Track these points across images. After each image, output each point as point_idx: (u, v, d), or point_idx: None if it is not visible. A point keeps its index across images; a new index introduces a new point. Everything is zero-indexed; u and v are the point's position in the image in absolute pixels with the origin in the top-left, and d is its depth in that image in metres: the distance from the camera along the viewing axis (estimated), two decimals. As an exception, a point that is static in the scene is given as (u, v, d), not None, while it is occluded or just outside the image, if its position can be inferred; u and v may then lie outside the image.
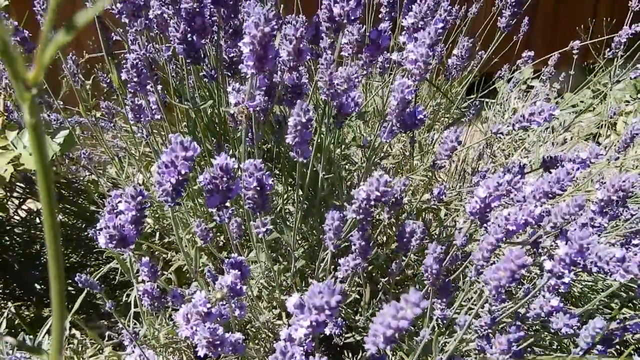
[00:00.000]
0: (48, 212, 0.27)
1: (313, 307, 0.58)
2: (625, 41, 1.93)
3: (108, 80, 1.76)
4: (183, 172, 0.65)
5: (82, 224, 2.00)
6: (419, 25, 0.92)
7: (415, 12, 0.90)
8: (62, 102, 2.07)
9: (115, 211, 0.85)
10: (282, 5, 1.78)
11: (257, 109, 0.92)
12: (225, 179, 0.70)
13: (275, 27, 0.69)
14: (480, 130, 2.54)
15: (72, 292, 2.02)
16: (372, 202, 0.77)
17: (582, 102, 4.30)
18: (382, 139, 0.99)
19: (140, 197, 0.77)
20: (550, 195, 0.90)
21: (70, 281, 2.06)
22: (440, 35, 0.86)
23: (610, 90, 1.82)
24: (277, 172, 1.59)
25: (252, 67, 0.74)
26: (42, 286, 1.93)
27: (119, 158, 1.62)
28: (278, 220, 1.40)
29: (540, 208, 0.91)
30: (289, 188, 1.59)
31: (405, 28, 0.94)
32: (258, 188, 0.74)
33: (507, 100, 2.22)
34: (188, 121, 1.50)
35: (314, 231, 1.46)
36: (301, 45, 0.86)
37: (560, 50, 2.20)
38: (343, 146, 1.59)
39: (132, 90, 1.02)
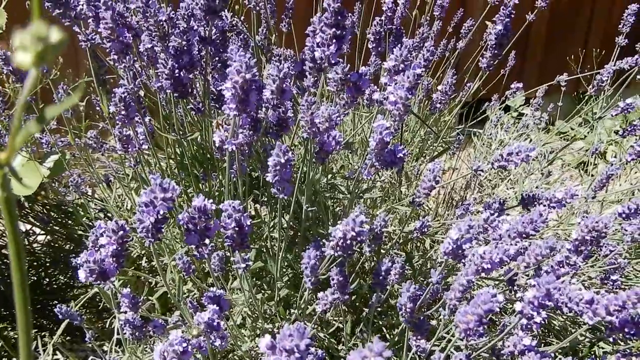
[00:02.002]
0: (18, 278, 0.29)
1: (283, 350, 0.60)
2: (610, 76, 1.98)
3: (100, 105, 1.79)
4: (162, 212, 0.67)
5: (70, 246, 2.01)
6: (400, 68, 0.95)
7: (396, 55, 0.93)
8: (55, 123, 2.09)
9: (96, 245, 0.87)
10: (275, 34, 1.81)
11: (243, 142, 0.95)
12: (203, 219, 0.72)
13: (257, 73, 0.72)
14: (468, 158, 2.58)
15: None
16: (349, 242, 0.79)
17: (572, 129, 4.36)
18: (364, 176, 1.02)
19: (122, 232, 0.79)
20: (524, 235, 0.92)
21: (56, 302, 2.06)
22: (419, 79, 0.89)
23: (597, 122, 1.86)
24: (264, 200, 1.61)
25: (234, 109, 0.77)
26: (29, 307, 1.92)
27: (107, 183, 1.63)
28: (263, 250, 1.41)
29: (515, 247, 0.93)
30: (275, 214, 1.61)
31: (386, 70, 0.97)
32: (237, 228, 0.76)
33: (493, 133, 2.26)
34: (175, 147, 1.52)
35: (299, 260, 1.48)
36: (284, 85, 0.89)
37: (548, 83, 2.24)
38: (330, 175, 1.61)
39: (120, 122, 1.04)
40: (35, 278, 2.03)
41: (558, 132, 4.41)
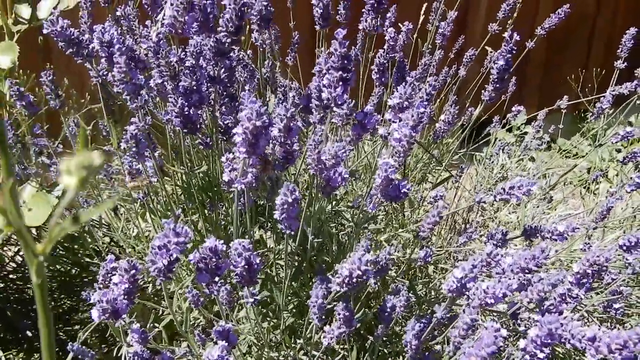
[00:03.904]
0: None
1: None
2: (610, 103, 2.00)
3: (108, 130, 1.81)
4: (174, 255, 0.69)
5: (76, 271, 2.03)
6: (404, 105, 0.97)
7: (400, 93, 0.96)
8: (61, 146, 2.12)
9: (107, 279, 0.89)
10: (279, 58, 1.85)
11: (251, 181, 0.97)
12: (214, 259, 0.74)
13: (267, 120, 0.75)
14: (471, 180, 2.60)
15: (63, 337, 2.04)
16: (355, 280, 0.81)
17: (574, 147, 4.39)
18: (369, 209, 1.04)
19: (134, 271, 0.81)
20: (527, 271, 0.94)
21: (62, 326, 2.08)
22: (422, 118, 0.91)
23: (599, 141, 1.88)
24: (269, 227, 1.63)
25: (244, 152, 0.79)
26: (34, 331, 1.93)
27: (114, 211, 1.66)
28: (269, 279, 1.43)
29: (518, 282, 0.95)
30: (281, 240, 1.63)
31: (390, 107, 0.99)
32: (246, 267, 0.78)
33: (494, 158, 2.28)
34: (182, 176, 1.54)
35: (305, 288, 1.49)
36: (291, 124, 0.92)
37: (549, 108, 2.27)
38: (334, 202, 1.63)
39: (131, 157, 1.06)
40: (41, 302, 2.05)
41: (560, 149, 4.43)
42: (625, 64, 2.26)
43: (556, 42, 4.14)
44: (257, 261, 0.79)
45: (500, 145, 2.24)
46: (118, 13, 1.40)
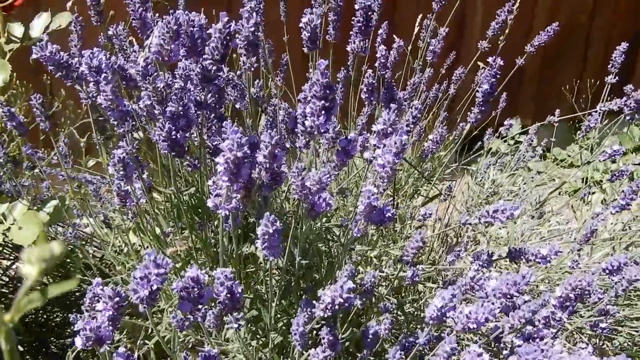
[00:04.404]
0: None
1: None
2: (597, 121, 2.02)
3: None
4: (155, 287, 0.70)
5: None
6: (389, 131, 0.99)
7: (384, 119, 0.97)
8: (55, 158, 2.13)
9: (93, 302, 0.90)
10: (272, 73, 1.86)
11: (235, 207, 0.98)
12: (196, 288, 0.75)
13: (248, 151, 0.76)
14: (461, 192, 2.61)
15: (55, 350, 2.04)
16: (337, 306, 0.82)
17: (569, 156, 4.42)
18: (354, 234, 1.05)
19: (118, 298, 0.82)
20: (509, 296, 0.95)
21: (54, 339, 2.08)
22: (405, 146, 0.92)
23: (584, 165, 1.90)
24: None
25: (226, 181, 0.80)
26: (25, 348, 1.94)
27: (107, 224, 1.66)
28: (258, 296, 1.44)
29: (500, 307, 0.96)
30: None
31: (375, 132, 1.01)
32: (229, 295, 0.79)
33: (485, 174, 2.30)
34: (172, 196, 1.55)
35: (294, 306, 1.50)
36: (276, 151, 0.93)
37: (541, 123, 2.29)
38: (324, 219, 1.64)
39: (119, 180, 1.07)
40: (33, 317, 2.05)
41: (555, 159, 4.44)
42: (617, 78, 2.28)
43: (552, 46, 4.15)
44: (239, 290, 0.80)
45: (488, 163, 2.25)
46: (110, 32, 1.41)
